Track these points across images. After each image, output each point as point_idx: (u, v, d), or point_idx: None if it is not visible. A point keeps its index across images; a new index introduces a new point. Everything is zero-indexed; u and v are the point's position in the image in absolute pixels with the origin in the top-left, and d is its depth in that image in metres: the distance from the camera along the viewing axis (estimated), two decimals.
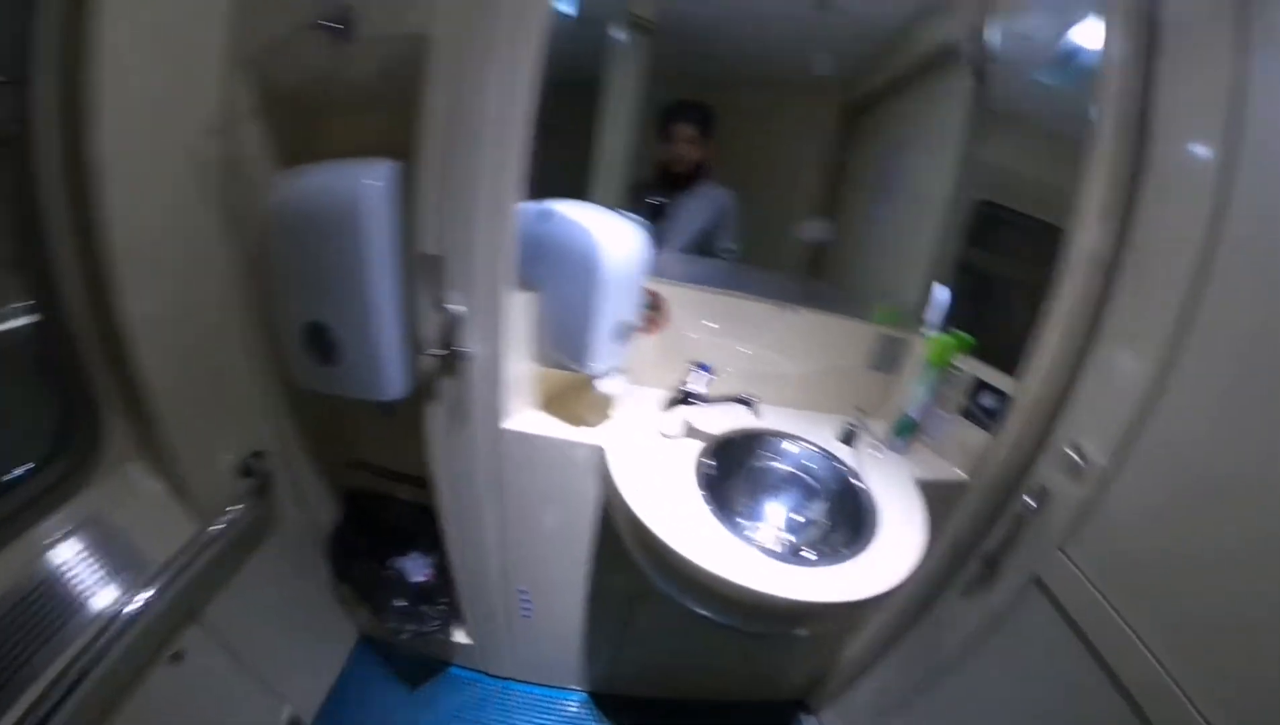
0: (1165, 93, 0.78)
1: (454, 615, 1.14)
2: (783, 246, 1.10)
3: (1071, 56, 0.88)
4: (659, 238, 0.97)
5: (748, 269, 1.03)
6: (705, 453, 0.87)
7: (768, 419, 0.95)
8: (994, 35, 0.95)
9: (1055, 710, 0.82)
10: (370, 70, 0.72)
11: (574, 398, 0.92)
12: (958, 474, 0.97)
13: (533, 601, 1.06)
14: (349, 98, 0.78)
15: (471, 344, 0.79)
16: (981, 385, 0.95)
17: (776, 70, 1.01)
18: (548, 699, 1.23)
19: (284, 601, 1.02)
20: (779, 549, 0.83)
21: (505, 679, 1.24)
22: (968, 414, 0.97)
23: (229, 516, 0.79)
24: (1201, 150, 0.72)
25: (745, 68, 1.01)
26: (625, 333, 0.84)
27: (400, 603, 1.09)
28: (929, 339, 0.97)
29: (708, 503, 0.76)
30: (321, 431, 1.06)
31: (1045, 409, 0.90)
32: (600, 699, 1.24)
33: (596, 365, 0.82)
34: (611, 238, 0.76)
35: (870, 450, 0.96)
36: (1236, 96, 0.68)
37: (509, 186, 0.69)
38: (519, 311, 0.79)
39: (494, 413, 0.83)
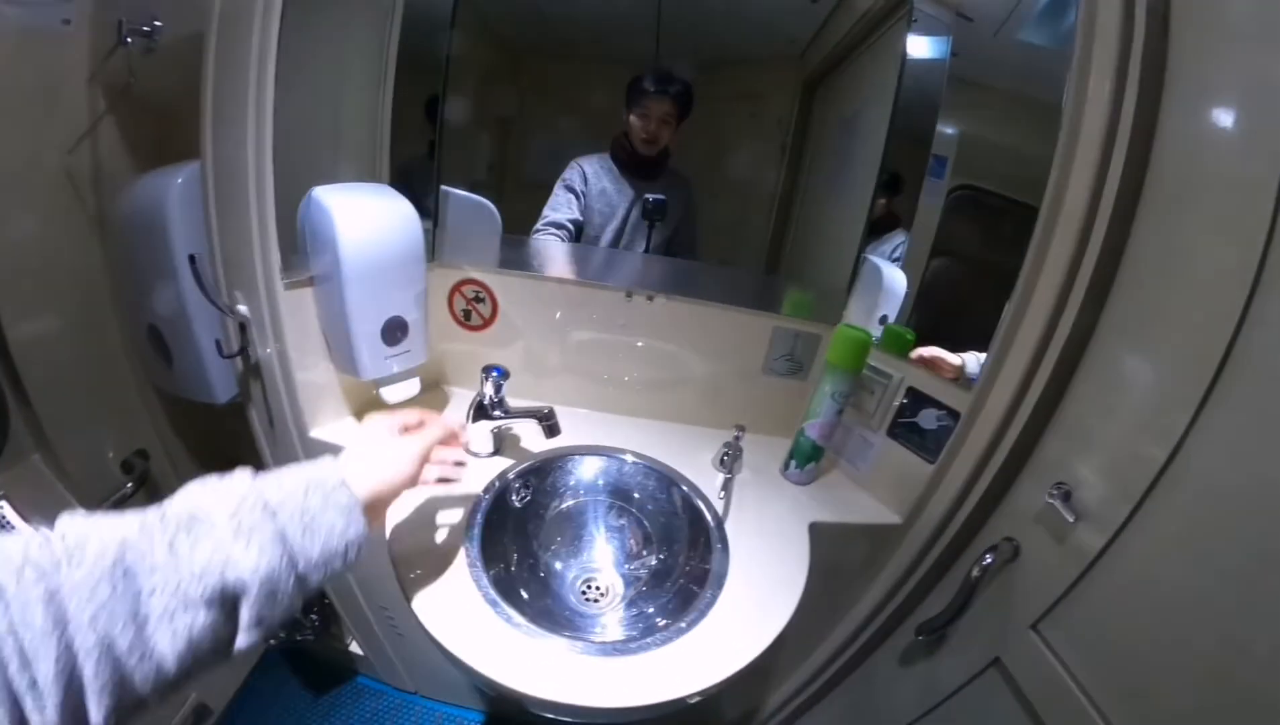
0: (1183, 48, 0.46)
1: (337, 624, 1.03)
2: (739, 239, 0.83)
3: (1063, 6, 0.58)
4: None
5: (605, 252, 0.77)
6: (515, 478, 0.63)
7: (613, 434, 0.70)
8: None
9: None
10: (174, 72, 0.67)
11: (381, 402, 0.74)
12: (884, 515, 0.67)
13: (396, 620, 0.92)
14: (172, 102, 0.72)
15: (261, 347, 0.64)
16: (919, 398, 0.65)
17: (728, 52, 0.78)
18: (450, 716, 1.11)
19: None
20: (588, 612, 0.58)
21: (412, 693, 1.14)
22: (898, 435, 0.67)
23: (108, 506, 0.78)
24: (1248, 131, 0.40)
25: (695, 51, 0.77)
26: (401, 332, 0.62)
27: None
28: (835, 332, 0.64)
29: (477, 573, 0.52)
30: (201, 430, 0.96)
31: (1015, 437, 0.60)
32: (502, 722, 1.12)
33: (367, 370, 0.61)
34: (359, 221, 0.56)
35: (752, 477, 0.67)
36: None
37: (265, 176, 0.56)
38: (298, 312, 0.61)
39: (299, 420, 0.66)
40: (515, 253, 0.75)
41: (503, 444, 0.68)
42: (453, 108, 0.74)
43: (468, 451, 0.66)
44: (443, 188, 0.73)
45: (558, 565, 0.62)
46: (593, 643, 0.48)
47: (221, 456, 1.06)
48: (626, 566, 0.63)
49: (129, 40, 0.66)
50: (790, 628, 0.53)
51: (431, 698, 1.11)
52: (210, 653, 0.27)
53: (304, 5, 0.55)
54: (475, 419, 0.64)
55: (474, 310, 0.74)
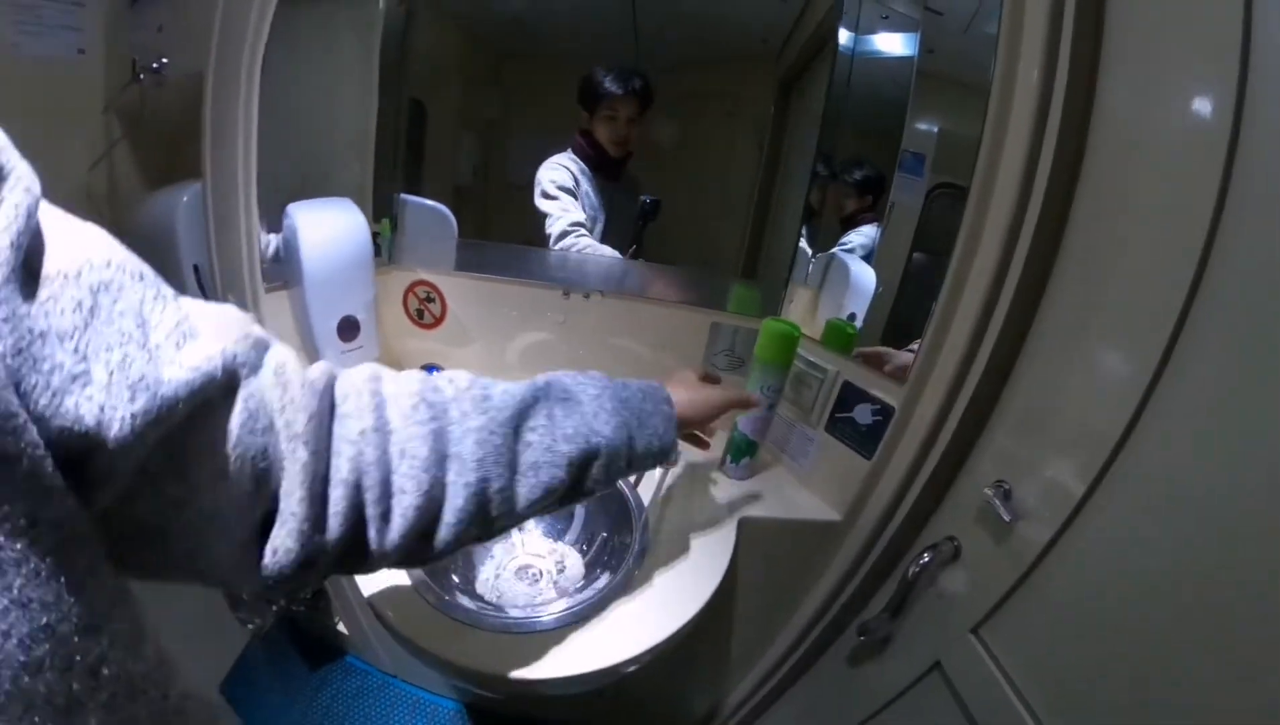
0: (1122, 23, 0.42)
1: (325, 600, 1.04)
2: (716, 239, 0.82)
3: None
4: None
5: (545, 254, 0.76)
6: None
7: None
8: None
9: None
10: (180, 103, 0.74)
11: None
12: (824, 512, 0.64)
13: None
14: (179, 129, 0.78)
15: None
16: (855, 393, 0.62)
17: (705, 52, 0.76)
18: (426, 702, 1.12)
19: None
20: (520, 592, 0.58)
21: (393, 676, 1.15)
22: (836, 430, 0.63)
23: None
24: (1200, 103, 0.37)
25: (670, 53, 0.76)
26: (354, 330, 0.64)
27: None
28: (762, 325, 0.61)
29: None
30: None
31: (952, 432, 0.56)
32: (477, 711, 1.10)
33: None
34: (316, 233, 0.61)
35: (691, 473, 0.65)
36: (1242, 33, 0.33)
37: (251, 194, 0.61)
38: (279, 313, 0.66)
39: None
40: (470, 255, 0.76)
41: None
42: (433, 114, 0.75)
43: None
44: (401, 196, 0.74)
45: (499, 544, 0.62)
46: (500, 619, 0.48)
47: None
48: (569, 545, 0.62)
49: (142, 77, 0.74)
50: (738, 616, 0.50)
51: (410, 682, 1.12)
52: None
53: (293, 41, 0.61)
54: None
55: (425, 309, 0.76)
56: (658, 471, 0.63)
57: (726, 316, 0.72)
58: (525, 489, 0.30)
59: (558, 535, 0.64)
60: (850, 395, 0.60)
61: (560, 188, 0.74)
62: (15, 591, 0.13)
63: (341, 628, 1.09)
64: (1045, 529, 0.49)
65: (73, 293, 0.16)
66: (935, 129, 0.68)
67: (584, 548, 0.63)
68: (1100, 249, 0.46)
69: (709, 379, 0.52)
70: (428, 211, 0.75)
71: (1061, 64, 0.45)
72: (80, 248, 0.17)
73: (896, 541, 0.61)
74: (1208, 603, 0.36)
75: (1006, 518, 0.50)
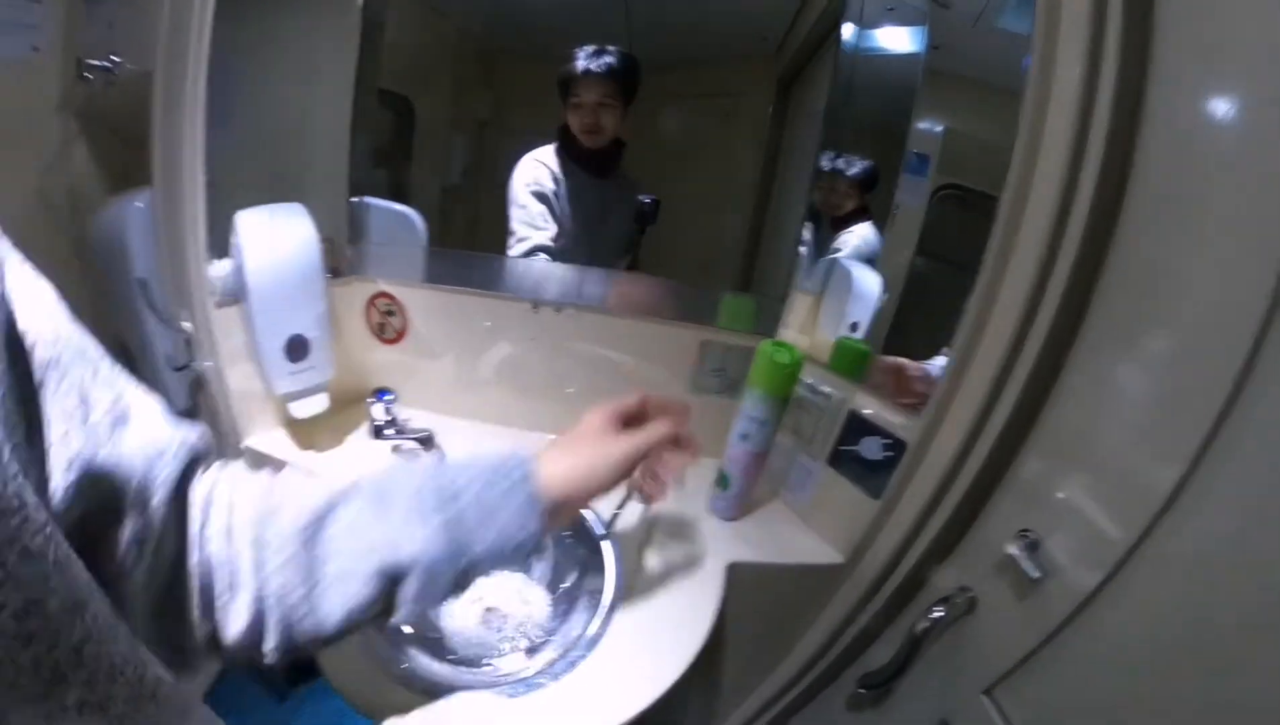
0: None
1: None
2: (703, 250, 0.74)
3: None
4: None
5: (511, 263, 0.69)
6: None
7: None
8: None
9: None
10: (133, 104, 0.65)
11: (317, 418, 0.70)
12: (825, 553, 0.57)
13: None
14: (135, 131, 0.69)
15: (200, 361, 0.64)
16: (861, 424, 0.54)
17: (702, 51, 0.69)
18: None
19: None
20: (484, 639, 0.51)
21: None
22: (840, 464, 0.56)
23: None
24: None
25: (666, 52, 0.68)
26: (303, 349, 0.58)
27: None
28: (757, 349, 0.53)
29: None
30: None
31: (974, 474, 0.49)
32: None
33: (277, 387, 0.58)
34: (260, 243, 0.54)
35: (673, 511, 0.56)
36: None
37: (198, 202, 0.56)
38: (232, 329, 0.61)
39: (234, 430, 0.65)
40: (440, 265, 0.69)
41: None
42: (420, 112, 0.68)
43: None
44: (362, 199, 0.66)
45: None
46: (487, 678, 0.43)
47: None
48: (539, 586, 0.55)
49: (89, 76, 0.69)
50: (725, 660, 0.44)
51: None
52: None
53: (260, 33, 0.55)
54: (375, 437, 0.60)
55: (387, 323, 0.70)
56: (628, 507, 0.56)
57: (718, 332, 0.64)
58: (328, 607, 0.26)
59: (529, 572, 0.58)
60: (857, 426, 0.52)
61: (534, 193, 0.66)
62: (9, 568, 0.14)
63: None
64: (1078, 588, 0.42)
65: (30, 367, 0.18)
66: (940, 128, 0.61)
67: (551, 591, 0.56)
68: (1155, 266, 0.38)
69: (632, 413, 0.39)
70: (393, 216, 0.68)
71: (1108, 59, 0.37)
72: (32, 318, 0.19)
73: (903, 588, 0.54)
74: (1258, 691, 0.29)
75: (1034, 574, 0.44)
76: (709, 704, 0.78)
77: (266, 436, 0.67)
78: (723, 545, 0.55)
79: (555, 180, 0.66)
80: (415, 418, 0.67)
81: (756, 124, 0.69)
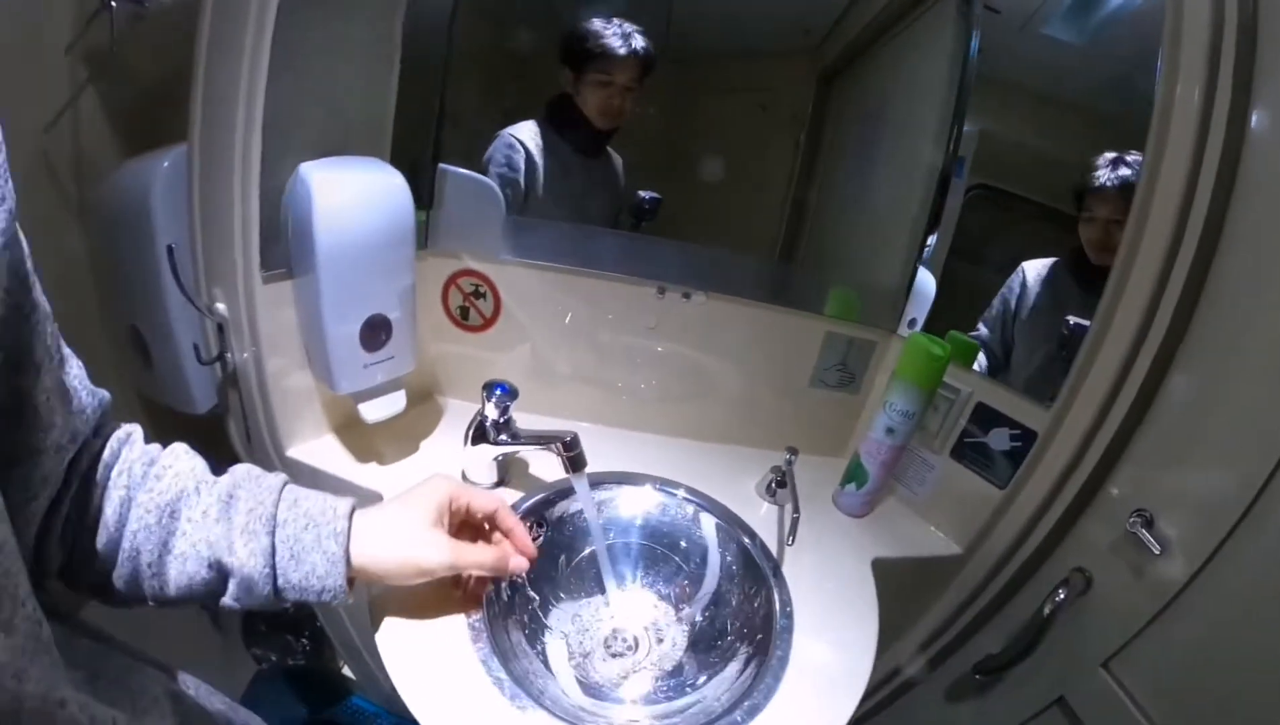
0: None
1: (330, 648, 0.91)
2: (752, 228, 0.71)
3: (1089, 4, 0.55)
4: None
5: (627, 239, 0.63)
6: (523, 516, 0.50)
7: (635, 456, 0.58)
8: None
9: None
10: (164, 44, 0.56)
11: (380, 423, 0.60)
12: (944, 545, 0.58)
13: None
14: (162, 78, 0.61)
15: (238, 352, 0.52)
16: (990, 416, 0.57)
17: (744, 43, 0.66)
18: None
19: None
20: (613, 675, 0.45)
21: (406, 719, 1.01)
22: (963, 456, 0.59)
23: None
24: None
25: (709, 44, 0.65)
26: (384, 334, 0.49)
27: (262, 628, 0.89)
28: (907, 341, 0.55)
29: (484, 652, 0.39)
30: (186, 441, 0.85)
31: (1096, 458, 0.52)
32: None
33: (342, 382, 0.48)
34: (337, 194, 0.44)
35: (799, 513, 0.50)
36: None
37: (252, 158, 0.45)
38: (276, 311, 0.50)
39: (275, 436, 0.54)
40: (523, 239, 0.61)
41: (509, 473, 0.55)
42: (460, 88, 0.60)
43: (465, 479, 0.53)
44: (440, 166, 0.58)
45: (584, 605, 0.50)
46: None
47: (218, 457, 0.96)
48: (670, 607, 0.51)
49: (114, 3, 0.54)
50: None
51: None
52: (203, 598, 0.31)
53: None
54: (474, 442, 0.51)
55: (473, 307, 0.60)
56: (764, 510, 0.54)
57: (837, 325, 0.63)
58: (172, 576, 0.30)
59: (660, 590, 0.53)
60: (985, 418, 0.54)
61: (498, 173, 0.59)
62: None
63: (347, 671, 0.95)
64: (1192, 559, 0.45)
65: None
66: (976, 130, 0.64)
67: (703, 624, 0.50)
68: (1257, 264, 0.42)
69: (477, 520, 0.39)
70: (472, 185, 0.59)
71: (1222, 88, 0.40)
72: None
73: (1018, 575, 0.56)
74: None
75: (1156, 549, 0.46)
76: None
77: (316, 444, 0.57)
78: (862, 543, 0.54)
79: (530, 160, 0.61)
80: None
81: (795, 119, 0.68)
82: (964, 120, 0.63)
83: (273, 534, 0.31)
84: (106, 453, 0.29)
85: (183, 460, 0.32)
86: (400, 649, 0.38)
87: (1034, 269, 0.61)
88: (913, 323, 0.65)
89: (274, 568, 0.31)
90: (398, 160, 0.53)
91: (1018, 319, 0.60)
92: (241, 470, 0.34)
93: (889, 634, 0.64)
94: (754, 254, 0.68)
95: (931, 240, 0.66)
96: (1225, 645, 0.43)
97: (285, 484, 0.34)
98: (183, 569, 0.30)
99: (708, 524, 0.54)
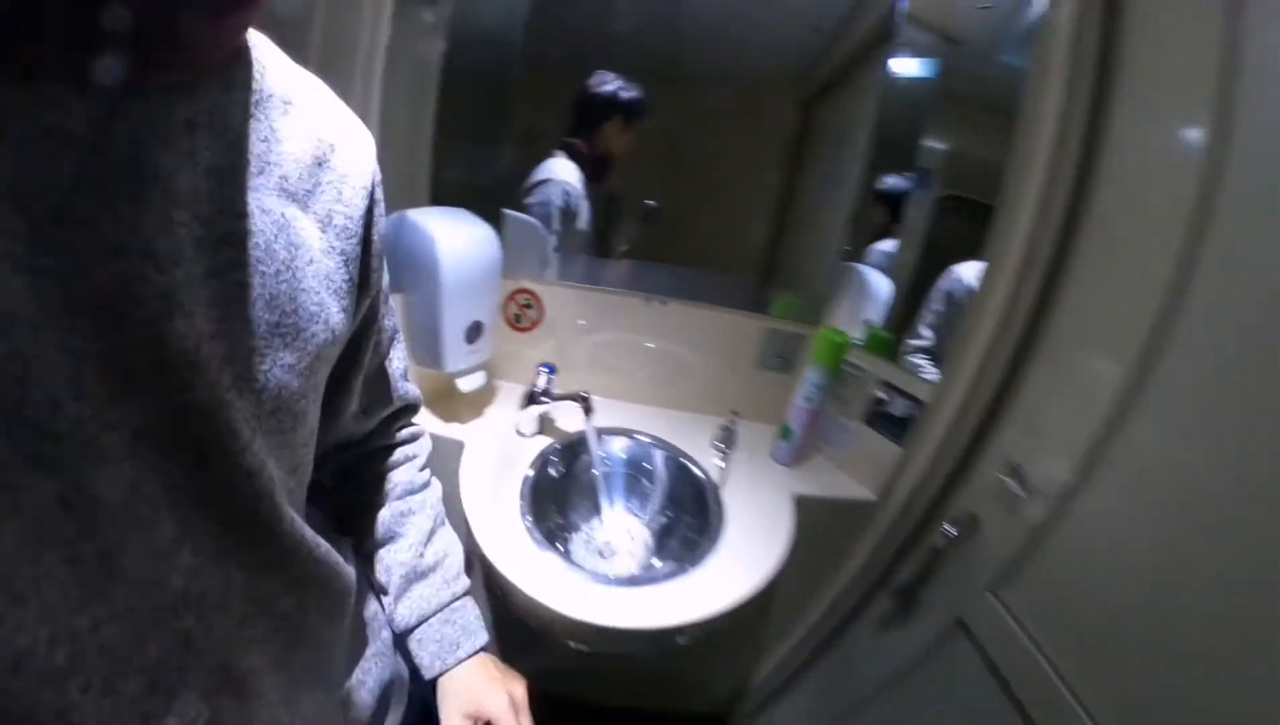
0: (1130, 62, 0.53)
1: None
2: (736, 244, 0.90)
3: (1034, 33, 0.63)
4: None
5: (629, 264, 0.86)
6: (552, 454, 0.74)
7: (635, 417, 0.81)
8: (955, 10, 0.72)
9: None
10: None
11: (451, 393, 0.84)
12: (860, 493, 0.73)
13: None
14: None
15: None
16: (891, 389, 0.72)
17: (734, 69, 0.83)
18: None
19: None
20: (602, 564, 0.68)
21: None
22: (874, 422, 0.74)
23: None
24: (1185, 131, 0.47)
25: (704, 67, 0.82)
26: (479, 333, 0.73)
27: None
28: (817, 334, 0.73)
29: (528, 523, 0.62)
30: None
31: (972, 423, 0.66)
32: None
33: (450, 366, 0.72)
34: (455, 242, 0.68)
35: (747, 457, 0.75)
36: (1226, 71, 0.44)
37: None
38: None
39: None
40: (563, 266, 0.86)
41: (544, 425, 0.78)
42: (501, 125, 0.79)
43: (518, 433, 0.76)
44: (503, 210, 0.82)
45: (587, 521, 0.72)
46: (615, 578, 0.58)
47: None
48: (643, 523, 0.72)
49: None
50: (778, 589, 0.59)
51: None
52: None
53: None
54: (526, 405, 0.75)
55: (524, 315, 0.85)
56: (716, 457, 0.72)
57: (777, 322, 0.82)
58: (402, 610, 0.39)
59: (638, 511, 0.74)
60: (887, 392, 0.70)
61: (560, 210, 0.79)
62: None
63: None
64: (1053, 500, 0.57)
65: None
66: (946, 146, 0.75)
67: (667, 522, 0.72)
68: (1098, 263, 0.56)
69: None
70: (524, 224, 0.84)
71: (1078, 98, 0.54)
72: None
73: (923, 518, 0.70)
74: (1181, 564, 0.45)
75: (1023, 494, 0.59)
76: (754, 645, 0.92)
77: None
78: (789, 482, 0.72)
79: (578, 197, 0.82)
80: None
81: (782, 140, 0.82)
82: (920, 139, 0.74)
83: (413, 630, 0.39)
84: (398, 451, 0.40)
85: (432, 494, 0.42)
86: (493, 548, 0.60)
87: (969, 271, 0.70)
88: (867, 321, 0.81)
89: (403, 634, 0.39)
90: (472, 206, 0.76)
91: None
92: (451, 557, 0.41)
93: (828, 573, 0.78)
94: (718, 269, 0.88)
95: (890, 246, 0.79)
96: (1082, 571, 0.55)
97: (452, 602, 0.40)
98: (376, 563, 0.39)
99: (672, 462, 0.76)
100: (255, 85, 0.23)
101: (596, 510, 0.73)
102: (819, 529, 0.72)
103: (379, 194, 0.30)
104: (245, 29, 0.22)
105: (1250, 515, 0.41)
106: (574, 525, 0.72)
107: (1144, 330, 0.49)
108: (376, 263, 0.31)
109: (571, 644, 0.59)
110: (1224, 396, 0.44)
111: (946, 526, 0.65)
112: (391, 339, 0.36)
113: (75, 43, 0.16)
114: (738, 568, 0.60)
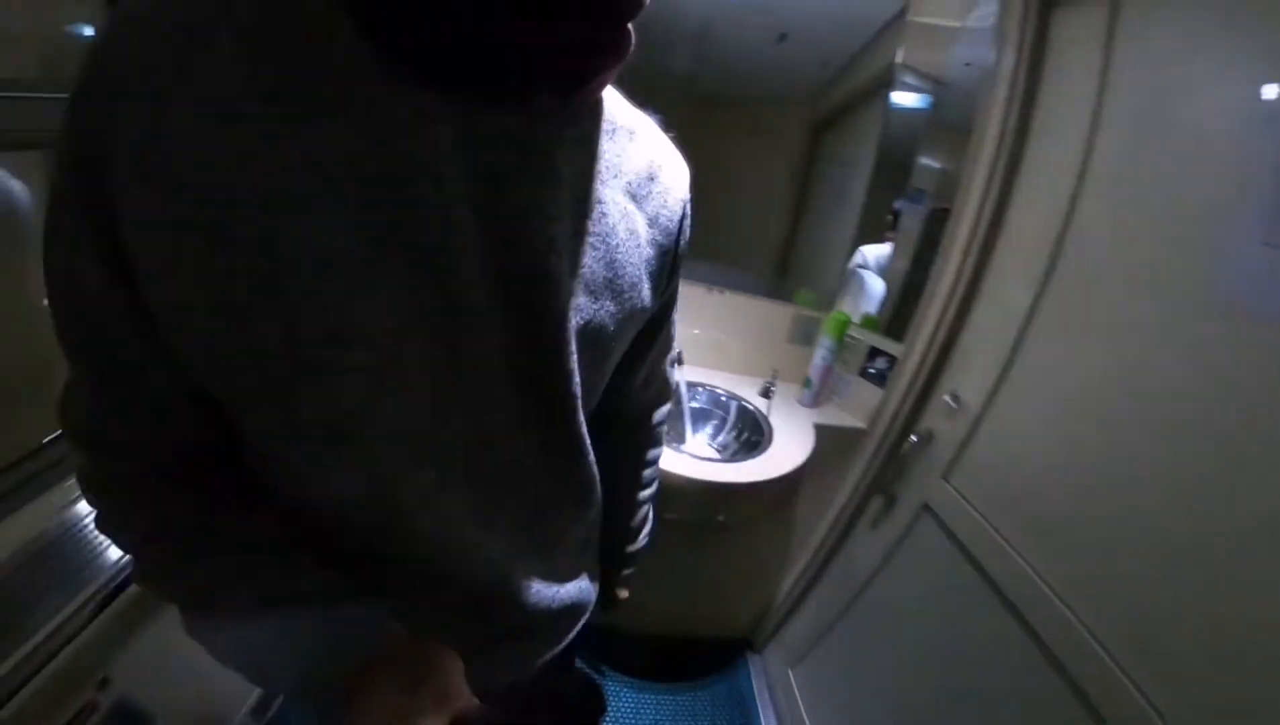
0: (1046, 96, 0.81)
1: None
2: (757, 247, 1.19)
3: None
4: None
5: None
6: None
7: (704, 375, 1.13)
8: (944, 62, 1.00)
9: (955, 625, 0.81)
10: None
11: None
12: (857, 424, 1.07)
13: None
14: None
15: None
16: (875, 351, 1.07)
17: (751, 93, 1.01)
18: None
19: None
20: (702, 454, 0.99)
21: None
22: (865, 375, 1.08)
23: None
24: (1071, 137, 0.73)
25: (724, 90, 1.01)
26: None
27: None
28: (829, 317, 1.09)
29: None
30: None
31: (928, 367, 1.00)
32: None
33: None
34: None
35: (781, 402, 1.09)
36: (1098, 101, 0.69)
37: None
38: None
39: None
40: None
41: None
42: None
43: None
44: None
45: (680, 440, 1.03)
46: (707, 457, 0.92)
47: None
48: (712, 445, 1.03)
49: None
50: (801, 493, 0.91)
51: None
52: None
53: None
54: None
55: None
56: (764, 403, 1.03)
57: (803, 309, 1.18)
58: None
59: (709, 436, 1.04)
60: (874, 353, 1.05)
61: None
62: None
63: None
64: (975, 410, 0.89)
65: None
66: (940, 167, 0.96)
67: (731, 435, 1.04)
68: (1013, 237, 0.90)
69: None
70: None
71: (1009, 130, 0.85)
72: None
73: (897, 438, 1.03)
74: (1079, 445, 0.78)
75: (955, 407, 0.93)
76: (789, 544, 1.19)
77: None
78: (810, 416, 1.07)
79: None
80: None
81: (792, 158, 1.05)
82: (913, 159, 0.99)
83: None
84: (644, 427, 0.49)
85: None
86: None
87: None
88: (865, 315, 1.15)
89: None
90: None
91: None
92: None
93: (835, 486, 1.09)
94: (755, 269, 1.21)
95: (886, 252, 1.12)
96: (1001, 456, 0.80)
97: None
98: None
99: (733, 404, 1.10)
100: (608, 117, 0.30)
101: (681, 437, 1.02)
102: (829, 449, 1.04)
103: (689, 210, 0.36)
104: (612, 79, 0.29)
105: (1117, 410, 0.62)
106: (670, 442, 1.00)
107: (1025, 297, 0.82)
108: (679, 265, 0.36)
109: (668, 516, 0.82)
110: (1094, 317, 0.69)
111: (912, 437, 0.98)
112: (670, 339, 0.44)
113: (530, 84, 0.25)
114: (783, 457, 0.94)
